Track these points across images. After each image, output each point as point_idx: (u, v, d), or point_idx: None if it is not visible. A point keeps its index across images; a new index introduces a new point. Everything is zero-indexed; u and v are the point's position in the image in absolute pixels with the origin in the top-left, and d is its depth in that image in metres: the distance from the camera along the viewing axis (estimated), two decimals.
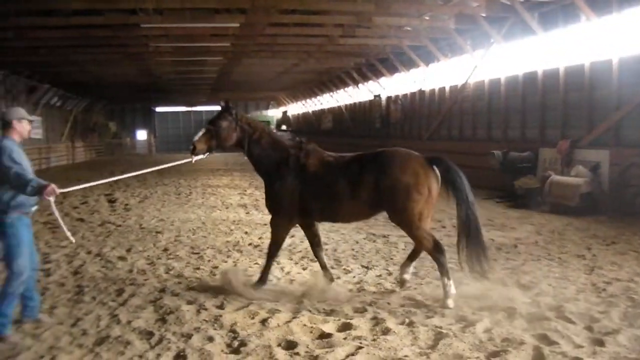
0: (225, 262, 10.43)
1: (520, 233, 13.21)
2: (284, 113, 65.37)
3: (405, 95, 32.70)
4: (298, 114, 63.97)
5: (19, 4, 19.22)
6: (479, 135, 24.55)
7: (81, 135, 52.54)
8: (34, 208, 7.06)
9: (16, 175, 6.50)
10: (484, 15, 21.15)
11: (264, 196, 8.96)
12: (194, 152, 8.30)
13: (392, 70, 33.24)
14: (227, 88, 52.10)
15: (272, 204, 8.55)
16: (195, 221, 15.24)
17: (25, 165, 6.81)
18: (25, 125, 7.06)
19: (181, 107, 67.65)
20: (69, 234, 7.31)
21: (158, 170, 9.75)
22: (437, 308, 7.49)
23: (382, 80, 35.64)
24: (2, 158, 6.57)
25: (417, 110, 31.12)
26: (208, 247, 11.81)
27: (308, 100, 56.99)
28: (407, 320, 6.99)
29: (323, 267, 8.80)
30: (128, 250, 11.64)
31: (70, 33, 23.44)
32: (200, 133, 8.29)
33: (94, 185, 9.32)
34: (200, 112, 68.25)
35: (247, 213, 16.34)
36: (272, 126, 57.97)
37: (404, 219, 7.90)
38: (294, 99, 62.25)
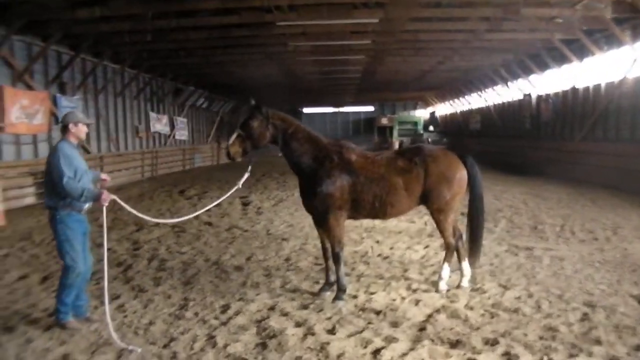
0: (348, 275, 9.51)
1: None
2: (432, 114, 63.85)
3: (557, 94, 30.74)
4: (445, 115, 62.21)
5: (155, 7, 19.26)
6: (638, 136, 22.35)
7: (227, 136, 53.25)
8: (87, 205, 7.23)
9: (67, 185, 6.80)
10: None
11: (300, 196, 8.75)
12: (229, 156, 8.31)
13: (543, 66, 31.30)
14: (373, 88, 51.29)
15: (324, 200, 8.14)
16: None
17: (80, 168, 7.11)
18: (82, 127, 7.37)
19: (328, 108, 67.65)
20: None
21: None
22: (583, 344, 6.28)
23: (533, 77, 33.70)
24: (55, 159, 6.95)
25: (569, 110, 29.09)
26: None
27: (455, 100, 55.23)
28: (545, 358, 5.86)
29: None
30: (248, 259, 11.06)
31: (208, 34, 23.41)
32: (233, 136, 8.26)
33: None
34: (347, 113, 68.06)
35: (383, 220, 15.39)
36: (420, 127, 56.95)
37: (446, 209, 8.39)
38: (441, 99, 60.55)
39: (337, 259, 8.24)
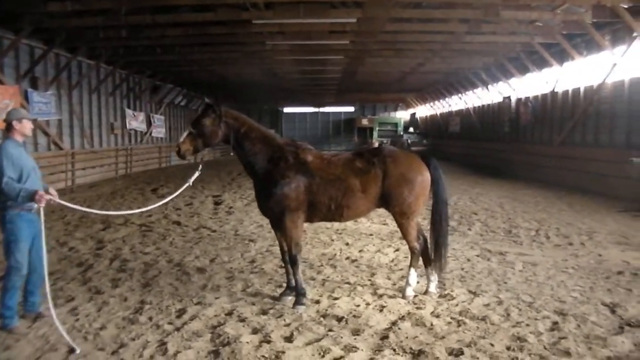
0: (313, 279, 9.23)
1: None
2: (412, 115, 63.77)
3: (536, 97, 30.52)
4: (426, 117, 62.02)
5: (129, 2, 18.91)
6: (616, 141, 22.18)
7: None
8: (37, 205, 6.87)
9: (5, 186, 6.65)
10: (625, 6, 18.89)
11: (255, 199, 8.36)
12: (179, 154, 7.98)
13: (523, 70, 31.12)
14: (354, 89, 51.24)
15: (280, 201, 7.80)
16: None
17: (27, 166, 6.96)
18: (27, 124, 7.16)
19: (308, 108, 67.34)
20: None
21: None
22: (551, 356, 6.00)
23: (512, 81, 33.53)
24: None
25: (548, 113, 28.85)
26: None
27: (436, 102, 55.05)
28: None
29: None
30: (212, 261, 10.67)
31: (184, 31, 23.01)
32: (184, 134, 7.97)
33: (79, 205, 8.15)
34: (328, 113, 67.74)
35: (355, 221, 14.95)
36: (400, 128, 56.86)
37: (408, 212, 8.03)
38: (422, 101, 60.40)
39: (294, 262, 7.94)
